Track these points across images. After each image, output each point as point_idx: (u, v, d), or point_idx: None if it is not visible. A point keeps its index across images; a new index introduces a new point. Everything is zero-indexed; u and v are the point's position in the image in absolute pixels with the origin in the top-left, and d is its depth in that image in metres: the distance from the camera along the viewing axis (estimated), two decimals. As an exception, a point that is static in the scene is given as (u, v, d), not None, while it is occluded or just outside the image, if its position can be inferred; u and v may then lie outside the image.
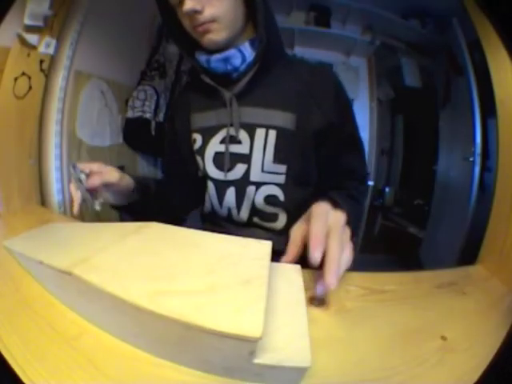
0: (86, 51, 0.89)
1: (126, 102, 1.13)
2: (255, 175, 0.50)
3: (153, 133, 1.12)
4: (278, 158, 0.49)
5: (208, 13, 0.43)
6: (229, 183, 0.52)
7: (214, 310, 0.21)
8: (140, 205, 0.52)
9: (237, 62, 0.47)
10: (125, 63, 1.12)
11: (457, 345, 0.27)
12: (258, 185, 0.50)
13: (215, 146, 0.52)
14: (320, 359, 0.24)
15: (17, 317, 0.28)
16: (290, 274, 0.33)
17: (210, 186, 0.54)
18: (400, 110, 1.82)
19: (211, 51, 0.47)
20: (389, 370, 0.24)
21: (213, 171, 0.52)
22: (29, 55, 0.69)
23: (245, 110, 0.50)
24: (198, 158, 0.54)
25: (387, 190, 1.87)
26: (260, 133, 0.49)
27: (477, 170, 1.20)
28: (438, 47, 1.46)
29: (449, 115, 1.49)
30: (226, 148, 0.50)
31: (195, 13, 0.42)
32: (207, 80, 0.51)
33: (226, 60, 0.47)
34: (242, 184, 0.51)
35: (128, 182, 0.49)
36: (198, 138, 0.54)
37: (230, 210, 0.54)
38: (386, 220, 1.87)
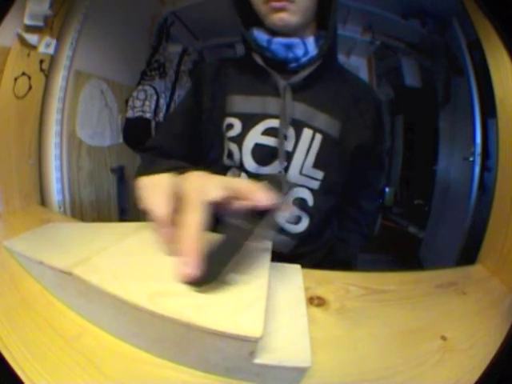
0: (86, 51, 0.89)
1: (126, 102, 1.13)
2: (292, 176, 0.47)
3: (153, 133, 1.12)
4: (318, 164, 0.47)
5: None
6: (258, 177, 0.47)
7: (214, 310, 0.21)
8: None
9: (299, 52, 0.46)
10: (125, 63, 1.12)
11: (457, 345, 0.27)
12: (293, 185, 0.49)
13: (256, 136, 0.47)
14: (320, 359, 0.24)
15: (17, 317, 0.28)
16: (290, 274, 0.33)
17: (242, 177, 0.49)
18: (400, 110, 1.82)
19: (274, 32, 0.45)
20: (389, 369, 0.24)
21: (250, 163, 0.48)
22: (29, 55, 0.69)
23: (297, 105, 0.47)
24: (233, 146, 0.48)
25: (387, 190, 1.87)
26: (307, 133, 0.47)
27: (477, 169, 1.20)
28: (438, 47, 1.46)
29: (449, 115, 1.48)
30: (281, 142, 0.46)
31: None
32: (259, 61, 0.47)
33: (289, 47, 0.45)
34: None
35: None
36: (236, 124, 0.48)
37: None
38: (386, 220, 1.87)
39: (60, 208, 0.81)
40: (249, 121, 0.48)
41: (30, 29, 0.67)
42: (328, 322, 0.30)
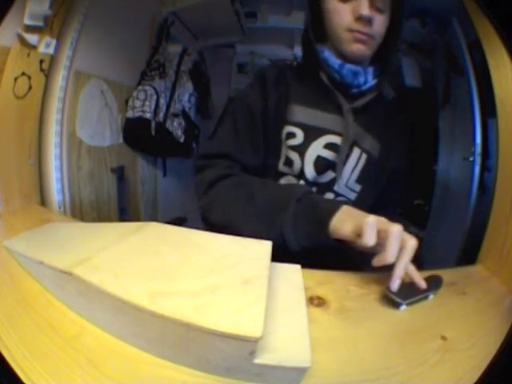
0: (86, 51, 0.89)
1: (126, 102, 1.13)
2: (339, 187, 0.53)
3: (153, 133, 1.12)
4: (360, 179, 0.54)
5: (376, 27, 0.46)
6: (314, 185, 0.52)
7: (214, 310, 0.21)
8: None
9: (361, 80, 0.51)
10: (125, 63, 1.12)
11: (457, 345, 0.27)
12: (337, 194, 0.53)
13: (319, 149, 0.51)
14: (320, 359, 0.24)
15: (17, 316, 0.28)
16: (290, 274, 0.33)
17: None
18: (400, 110, 1.82)
19: (343, 57, 0.50)
20: (389, 369, 0.24)
21: (310, 173, 0.51)
22: (29, 55, 0.69)
23: (354, 127, 0.52)
24: (293, 155, 0.51)
25: (387, 190, 1.87)
26: (356, 152, 0.53)
27: (477, 169, 1.19)
28: (438, 47, 1.46)
29: (449, 115, 1.48)
30: (341, 159, 0.51)
31: (368, 21, 0.44)
32: (325, 80, 0.51)
33: (355, 74, 0.50)
34: (326, 189, 0.53)
35: None
36: (298, 134, 0.51)
37: None
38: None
39: (60, 208, 0.80)
40: (311, 133, 0.51)
41: (30, 29, 0.67)
42: (328, 322, 0.30)
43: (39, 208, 0.73)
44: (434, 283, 0.36)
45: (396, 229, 0.33)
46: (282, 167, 0.53)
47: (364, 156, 0.53)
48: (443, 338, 0.28)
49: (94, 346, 0.25)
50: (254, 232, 0.39)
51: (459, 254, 1.20)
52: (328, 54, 0.51)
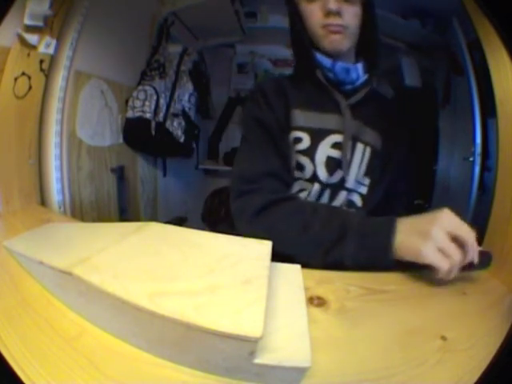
0: (86, 51, 0.89)
1: (126, 102, 1.13)
2: (350, 183, 0.54)
3: (153, 133, 1.12)
4: (367, 172, 0.55)
5: (346, 17, 0.48)
6: (328, 186, 0.53)
7: (214, 310, 0.21)
8: None
9: (354, 76, 0.52)
10: (125, 63, 1.12)
11: (457, 345, 0.27)
12: (349, 191, 0.54)
13: (327, 149, 0.52)
14: (320, 359, 0.24)
15: (17, 317, 0.28)
16: (290, 274, 0.33)
17: (315, 187, 0.52)
18: (400, 108, 1.81)
19: (332, 56, 0.51)
20: (389, 369, 0.24)
21: (323, 174, 0.52)
22: (29, 55, 0.69)
23: (353, 123, 0.54)
24: (303, 159, 0.52)
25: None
26: (360, 147, 0.54)
27: (477, 169, 1.20)
28: (438, 47, 1.46)
29: (449, 115, 1.48)
30: (345, 156, 0.52)
31: (336, 13, 0.46)
32: (322, 79, 0.53)
33: (347, 70, 0.52)
34: (338, 188, 0.54)
35: None
36: (304, 138, 0.52)
37: None
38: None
39: (60, 208, 0.81)
40: (317, 135, 0.52)
41: (30, 29, 0.67)
42: (328, 322, 0.30)
43: (39, 208, 0.73)
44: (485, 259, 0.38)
45: (472, 239, 0.35)
46: (294, 173, 0.54)
47: (368, 149, 0.55)
48: (443, 338, 0.28)
49: (94, 346, 0.25)
50: (311, 260, 0.40)
51: (459, 254, 1.20)
52: (320, 57, 0.52)
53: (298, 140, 0.52)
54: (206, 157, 1.87)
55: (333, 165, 0.52)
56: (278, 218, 0.46)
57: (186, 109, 1.21)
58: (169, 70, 1.19)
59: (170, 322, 0.21)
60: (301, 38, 0.53)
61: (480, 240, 0.47)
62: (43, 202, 0.78)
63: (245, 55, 1.80)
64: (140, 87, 1.14)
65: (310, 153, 0.52)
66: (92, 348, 0.25)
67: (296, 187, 0.54)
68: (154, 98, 1.13)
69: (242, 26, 1.47)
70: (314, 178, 0.52)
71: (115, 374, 0.23)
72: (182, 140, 1.19)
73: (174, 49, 1.23)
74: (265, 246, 0.32)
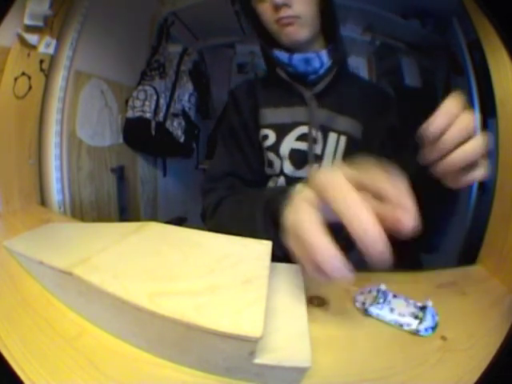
0: (86, 51, 0.89)
1: (126, 101, 1.13)
2: None
3: (153, 133, 1.12)
4: (345, 163, 0.50)
5: (296, 7, 0.47)
6: (298, 180, 0.51)
7: (215, 310, 0.21)
8: None
9: (316, 65, 0.51)
10: (125, 63, 1.12)
11: (457, 345, 0.27)
12: None
13: (290, 143, 0.52)
14: (320, 359, 0.24)
15: (17, 317, 0.28)
16: (290, 274, 0.33)
17: (281, 181, 0.54)
18: (400, 110, 1.82)
19: (291, 50, 0.51)
20: (389, 369, 0.24)
21: (288, 167, 0.53)
22: (29, 55, 0.69)
23: (321, 112, 0.53)
24: (270, 155, 0.54)
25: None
26: (333, 137, 0.52)
27: (477, 170, 1.19)
28: (438, 47, 1.46)
29: (449, 115, 1.48)
30: (310, 146, 0.51)
31: (284, 6, 0.46)
32: (284, 76, 0.53)
33: (307, 61, 0.51)
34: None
35: None
36: (270, 135, 0.53)
37: None
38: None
39: (60, 208, 0.80)
40: (281, 130, 0.53)
41: (30, 29, 0.67)
42: (328, 322, 0.30)
43: (39, 208, 0.73)
44: None
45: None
46: (267, 170, 0.56)
47: (343, 138, 0.52)
48: (443, 338, 0.28)
49: (94, 346, 0.25)
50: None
51: (459, 254, 1.20)
52: (278, 53, 0.52)
53: (265, 137, 0.54)
54: (206, 157, 1.87)
55: (298, 157, 0.52)
56: (223, 213, 0.48)
57: (186, 109, 1.21)
58: (169, 69, 1.19)
59: (170, 322, 0.21)
60: (265, 39, 0.54)
61: (480, 240, 0.47)
62: (43, 202, 0.78)
63: (245, 55, 1.80)
64: (140, 87, 1.14)
65: (276, 148, 0.53)
66: (92, 348, 0.25)
67: (270, 184, 0.55)
68: (154, 97, 1.13)
69: (242, 26, 1.47)
70: (281, 172, 0.53)
71: (115, 374, 0.23)
72: (181, 140, 1.19)
73: (174, 49, 1.23)
74: (265, 246, 0.32)
